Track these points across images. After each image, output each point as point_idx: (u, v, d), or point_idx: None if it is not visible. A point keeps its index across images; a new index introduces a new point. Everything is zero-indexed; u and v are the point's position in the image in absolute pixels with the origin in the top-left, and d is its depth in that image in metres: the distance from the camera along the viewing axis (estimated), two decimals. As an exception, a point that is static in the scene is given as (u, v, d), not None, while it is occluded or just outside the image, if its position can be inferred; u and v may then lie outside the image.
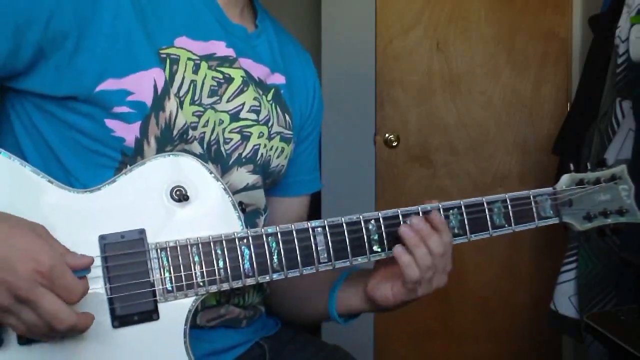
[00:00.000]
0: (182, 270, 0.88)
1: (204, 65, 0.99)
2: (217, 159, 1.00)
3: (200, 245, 0.89)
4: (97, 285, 0.84)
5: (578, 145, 2.21)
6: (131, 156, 0.92)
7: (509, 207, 1.03)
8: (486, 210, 1.02)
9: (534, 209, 1.04)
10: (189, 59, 0.97)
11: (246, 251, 0.90)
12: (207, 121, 0.98)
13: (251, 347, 1.09)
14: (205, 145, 0.98)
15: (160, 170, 0.90)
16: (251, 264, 0.91)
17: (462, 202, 1.00)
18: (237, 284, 0.90)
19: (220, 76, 1.01)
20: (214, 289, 0.89)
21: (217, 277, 0.89)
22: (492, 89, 2.83)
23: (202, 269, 0.89)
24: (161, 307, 0.87)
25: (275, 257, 0.92)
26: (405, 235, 0.96)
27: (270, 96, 1.09)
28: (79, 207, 0.86)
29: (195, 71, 0.98)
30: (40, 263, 0.75)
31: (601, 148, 1.95)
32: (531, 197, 1.04)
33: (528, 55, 2.82)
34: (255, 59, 1.07)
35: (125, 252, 0.86)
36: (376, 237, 0.97)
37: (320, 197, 2.66)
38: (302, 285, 1.14)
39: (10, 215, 0.80)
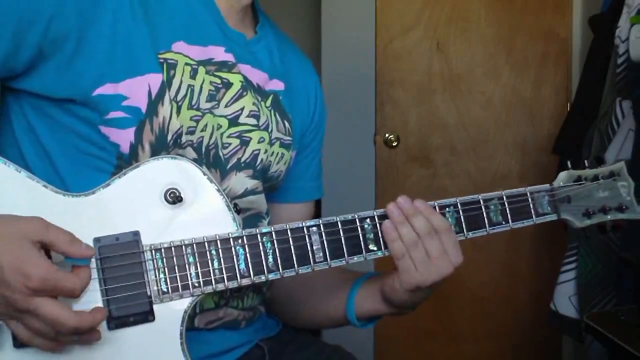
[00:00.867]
0: (177, 271, 0.88)
1: (201, 70, 0.98)
2: (216, 164, 1.00)
3: (194, 246, 0.89)
4: (92, 287, 0.84)
5: (578, 145, 2.20)
6: (126, 161, 0.92)
7: (506, 204, 1.02)
8: (482, 207, 1.01)
9: (531, 206, 1.04)
10: (186, 64, 0.97)
11: (241, 251, 0.90)
12: (206, 125, 0.98)
13: (250, 349, 1.08)
14: (202, 150, 0.98)
15: (154, 173, 0.90)
16: (246, 264, 0.91)
17: (458, 200, 1.00)
18: (232, 285, 0.90)
19: (219, 81, 1.00)
20: (209, 289, 0.89)
21: (212, 277, 0.89)
22: (492, 89, 2.83)
23: (197, 269, 0.89)
24: (157, 308, 0.87)
25: (270, 257, 0.92)
26: (390, 212, 0.96)
27: (269, 102, 1.08)
28: (74, 211, 0.86)
29: (193, 76, 0.97)
30: (29, 278, 0.75)
31: (601, 148, 1.95)
32: (528, 193, 1.04)
33: (528, 55, 2.82)
34: (253, 64, 1.06)
35: (120, 254, 0.86)
36: (372, 235, 0.96)
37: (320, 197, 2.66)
38: (309, 291, 1.14)
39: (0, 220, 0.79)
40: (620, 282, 1.85)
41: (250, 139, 1.04)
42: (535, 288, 2.85)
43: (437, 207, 0.99)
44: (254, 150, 1.04)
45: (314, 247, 0.93)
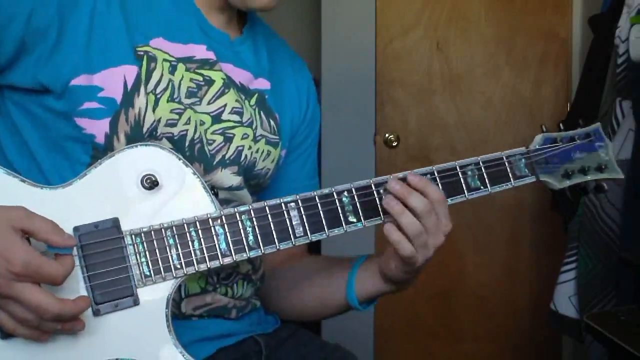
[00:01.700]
0: (158, 254, 0.88)
1: (181, 67, 0.99)
2: (201, 159, 1.00)
3: (174, 228, 0.89)
4: (75, 275, 0.84)
5: (578, 145, 2.20)
6: (102, 152, 0.93)
7: (483, 169, 1.03)
8: (460, 174, 1.02)
9: (508, 169, 1.04)
10: (165, 60, 0.98)
11: (220, 231, 0.91)
12: (189, 119, 0.99)
13: (244, 341, 1.08)
14: (186, 143, 0.98)
15: (130, 161, 0.90)
16: (227, 244, 0.91)
17: (434, 168, 1.01)
18: (214, 264, 0.90)
19: (200, 78, 1.01)
20: (191, 270, 0.89)
21: (194, 258, 0.89)
22: (492, 89, 2.83)
23: (178, 250, 0.89)
24: (140, 292, 0.87)
25: (250, 234, 0.92)
26: (388, 206, 0.96)
27: (253, 101, 1.08)
28: (52, 203, 0.86)
29: (172, 72, 0.98)
30: (11, 262, 0.76)
31: (601, 148, 1.95)
32: (504, 157, 1.05)
33: (528, 55, 2.82)
34: (236, 64, 1.07)
35: (100, 241, 0.86)
36: (350, 207, 0.96)
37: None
38: (307, 278, 1.14)
39: None
40: (621, 282, 1.85)
41: (234, 135, 1.04)
42: (535, 288, 2.85)
43: (414, 176, 0.99)
44: (238, 147, 1.04)
45: (294, 223, 0.94)
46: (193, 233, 0.90)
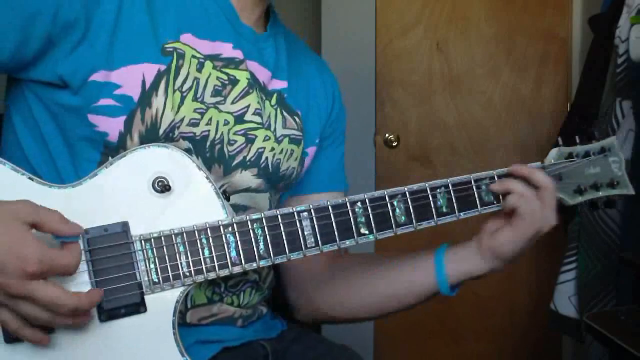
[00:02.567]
0: (167, 261, 0.87)
1: (208, 64, 0.98)
2: (221, 160, 0.99)
3: (184, 234, 0.88)
4: (82, 279, 0.83)
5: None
6: (114, 150, 0.92)
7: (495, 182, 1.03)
8: (474, 187, 1.01)
9: None
10: (193, 56, 0.97)
11: (231, 239, 0.90)
12: (211, 119, 0.98)
13: (250, 344, 1.07)
14: (207, 144, 0.97)
15: (142, 162, 0.89)
16: (237, 252, 0.90)
17: (449, 181, 1.00)
18: (223, 273, 0.89)
19: (225, 77, 1.00)
20: (200, 278, 0.89)
21: (203, 266, 0.89)
22: (492, 89, 2.83)
23: (188, 258, 0.88)
24: (148, 299, 0.87)
25: (261, 243, 0.91)
26: (502, 185, 1.02)
27: (273, 101, 1.08)
28: (60, 203, 0.85)
29: (199, 69, 0.97)
30: (26, 261, 0.74)
31: (601, 148, 1.95)
32: None
33: (528, 55, 2.82)
34: (260, 62, 1.06)
35: (109, 245, 0.85)
36: (363, 219, 0.95)
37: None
38: (370, 272, 1.12)
39: None
40: (620, 282, 1.85)
41: (256, 137, 1.03)
42: (535, 288, 2.85)
43: (428, 189, 0.99)
44: (258, 149, 1.04)
45: (305, 232, 0.93)
46: (204, 240, 0.89)
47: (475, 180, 1.02)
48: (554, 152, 1.07)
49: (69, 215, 0.82)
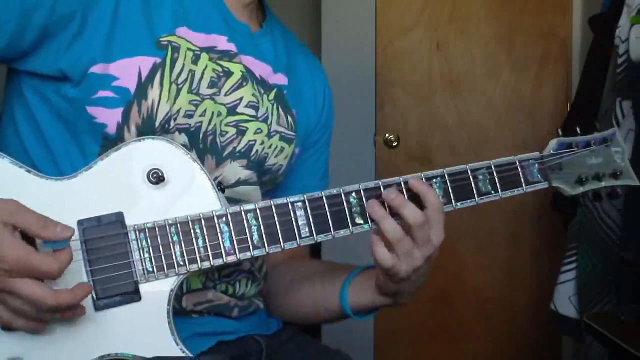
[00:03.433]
0: (161, 250, 0.88)
1: (204, 56, 1.00)
2: (213, 151, 1.00)
3: (178, 224, 0.89)
4: (77, 269, 0.84)
5: (578, 145, 2.20)
6: (112, 142, 0.93)
7: (494, 173, 1.01)
8: (470, 177, 1.00)
9: (521, 174, 1.02)
10: (188, 49, 0.98)
11: (225, 229, 0.90)
12: (205, 111, 0.99)
13: (245, 338, 1.07)
14: (200, 135, 0.98)
15: (136, 154, 0.90)
16: (231, 242, 0.90)
17: (445, 171, 0.99)
18: (217, 262, 0.90)
19: (220, 69, 1.01)
20: (194, 267, 0.89)
21: (197, 255, 0.89)
22: (492, 89, 2.83)
23: (182, 248, 0.89)
24: (142, 287, 0.87)
25: (255, 233, 0.91)
26: (371, 210, 0.94)
27: (272, 95, 1.09)
28: (57, 195, 0.86)
29: (195, 61, 0.98)
30: (3, 260, 0.76)
31: (601, 148, 1.95)
32: (517, 162, 1.02)
33: (528, 55, 2.82)
34: (257, 56, 1.07)
35: (103, 235, 0.86)
36: (358, 209, 0.95)
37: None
38: (305, 281, 1.13)
39: None
40: (621, 282, 1.85)
41: (247, 129, 1.04)
42: (535, 288, 2.85)
43: (423, 179, 0.97)
44: (249, 141, 1.04)
45: (300, 223, 0.93)
46: (197, 230, 0.89)
47: (472, 171, 1.00)
48: (553, 142, 1.05)
49: (65, 207, 0.83)
